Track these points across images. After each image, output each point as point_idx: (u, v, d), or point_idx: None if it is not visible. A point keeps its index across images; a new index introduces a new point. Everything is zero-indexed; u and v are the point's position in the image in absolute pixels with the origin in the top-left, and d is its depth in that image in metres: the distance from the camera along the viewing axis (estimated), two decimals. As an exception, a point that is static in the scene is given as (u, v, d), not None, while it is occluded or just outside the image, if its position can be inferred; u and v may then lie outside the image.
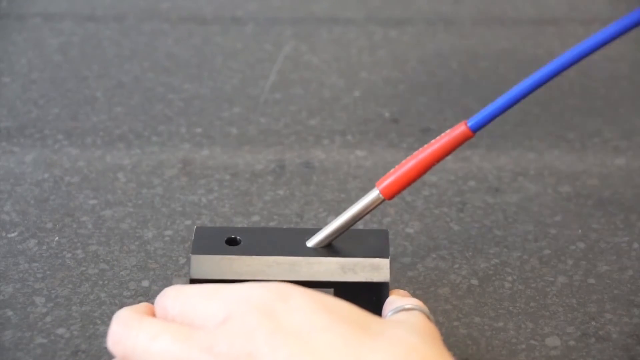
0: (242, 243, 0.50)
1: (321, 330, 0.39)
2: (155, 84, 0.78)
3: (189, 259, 0.49)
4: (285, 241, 0.51)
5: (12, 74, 0.79)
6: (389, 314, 0.46)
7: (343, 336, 0.39)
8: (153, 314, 0.43)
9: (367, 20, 0.89)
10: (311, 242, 0.50)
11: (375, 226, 0.61)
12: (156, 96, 0.76)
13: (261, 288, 0.41)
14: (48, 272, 0.57)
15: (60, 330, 0.53)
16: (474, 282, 0.57)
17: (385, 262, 0.49)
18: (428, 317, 0.45)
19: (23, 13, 0.89)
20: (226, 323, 0.40)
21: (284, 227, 0.61)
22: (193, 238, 0.50)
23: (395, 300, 0.47)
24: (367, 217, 0.61)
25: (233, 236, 0.50)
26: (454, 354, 0.51)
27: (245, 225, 0.61)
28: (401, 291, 0.50)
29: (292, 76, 0.79)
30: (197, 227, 0.51)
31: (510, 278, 0.57)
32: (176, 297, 0.43)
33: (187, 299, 0.42)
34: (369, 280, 0.49)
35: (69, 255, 0.59)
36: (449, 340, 0.52)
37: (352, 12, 0.90)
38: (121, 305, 0.55)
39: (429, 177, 0.66)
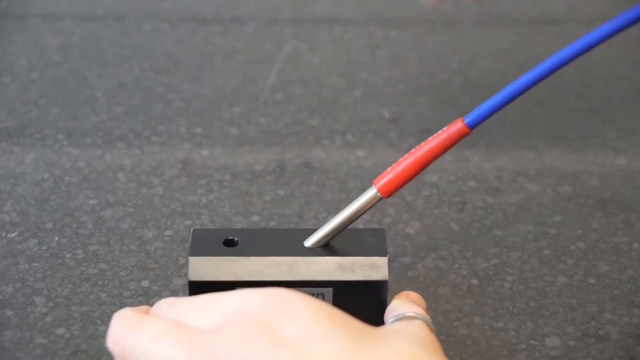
0: (239, 244, 0.50)
1: (320, 339, 0.39)
2: (155, 84, 0.78)
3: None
4: (283, 241, 0.51)
5: (12, 74, 0.79)
6: (390, 320, 0.45)
7: (342, 344, 0.39)
8: None
9: (367, 20, 0.89)
10: (309, 242, 0.50)
11: (375, 226, 0.61)
12: (156, 96, 0.76)
13: (258, 295, 0.40)
14: (48, 272, 0.57)
15: (60, 330, 0.53)
16: (474, 282, 0.57)
17: (383, 261, 0.49)
18: (429, 327, 0.44)
19: (23, 13, 0.89)
20: (224, 330, 0.39)
21: (281, 227, 0.61)
22: (190, 240, 0.50)
23: (397, 307, 0.47)
24: (367, 217, 0.61)
25: (230, 237, 0.50)
26: (454, 355, 0.52)
27: (245, 226, 0.61)
28: (411, 294, 0.49)
29: (292, 76, 0.79)
30: (194, 230, 0.51)
31: (510, 278, 0.57)
32: (169, 311, 0.42)
33: (181, 311, 0.42)
34: (367, 279, 0.49)
35: (69, 255, 0.59)
36: (449, 340, 0.52)
37: (352, 12, 0.90)
38: (121, 305, 0.55)
39: (429, 177, 0.66)
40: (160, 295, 0.56)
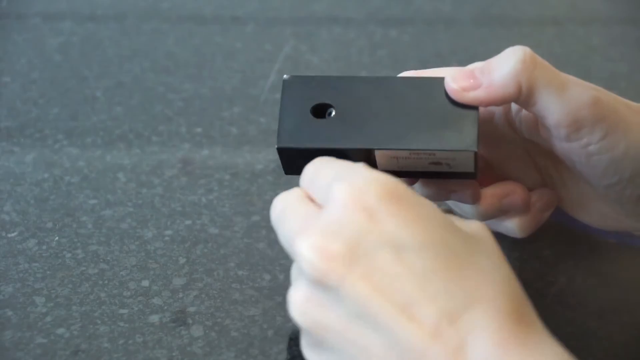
0: (334, 112, 0.49)
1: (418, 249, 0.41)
2: (155, 84, 0.78)
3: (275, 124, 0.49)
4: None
5: (12, 74, 0.79)
6: None
7: (435, 263, 0.41)
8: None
9: (367, 20, 0.89)
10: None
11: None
12: (156, 96, 0.76)
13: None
14: (48, 272, 0.57)
15: (60, 330, 0.53)
16: (474, 282, 0.57)
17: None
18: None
19: (23, 13, 0.89)
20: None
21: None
22: (282, 101, 0.49)
23: None
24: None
25: (323, 102, 0.49)
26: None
27: (244, 224, 0.61)
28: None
29: (292, 76, 0.79)
30: (285, 80, 0.50)
31: (510, 278, 0.57)
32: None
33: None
34: None
35: (69, 255, 0.59)
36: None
37: (352, 12, 0.90)
38: (121, 305, 0.55)
39: (429, 177, 0.66)
40: (160, 295, 0.56)
